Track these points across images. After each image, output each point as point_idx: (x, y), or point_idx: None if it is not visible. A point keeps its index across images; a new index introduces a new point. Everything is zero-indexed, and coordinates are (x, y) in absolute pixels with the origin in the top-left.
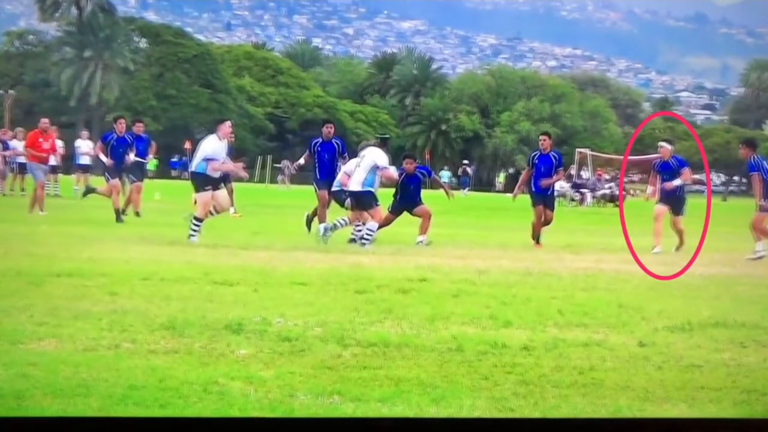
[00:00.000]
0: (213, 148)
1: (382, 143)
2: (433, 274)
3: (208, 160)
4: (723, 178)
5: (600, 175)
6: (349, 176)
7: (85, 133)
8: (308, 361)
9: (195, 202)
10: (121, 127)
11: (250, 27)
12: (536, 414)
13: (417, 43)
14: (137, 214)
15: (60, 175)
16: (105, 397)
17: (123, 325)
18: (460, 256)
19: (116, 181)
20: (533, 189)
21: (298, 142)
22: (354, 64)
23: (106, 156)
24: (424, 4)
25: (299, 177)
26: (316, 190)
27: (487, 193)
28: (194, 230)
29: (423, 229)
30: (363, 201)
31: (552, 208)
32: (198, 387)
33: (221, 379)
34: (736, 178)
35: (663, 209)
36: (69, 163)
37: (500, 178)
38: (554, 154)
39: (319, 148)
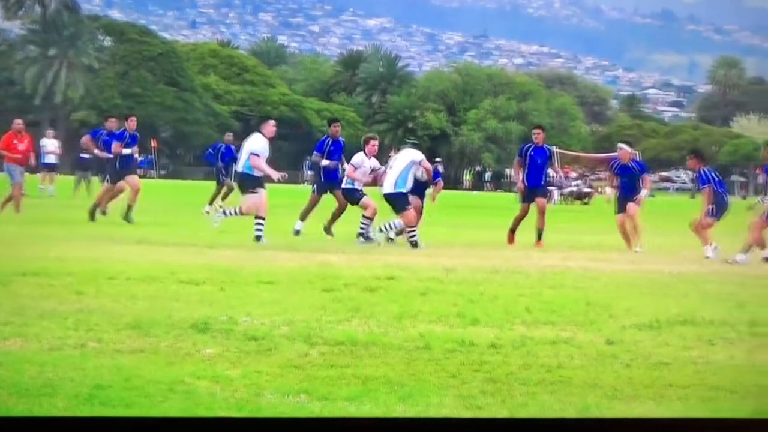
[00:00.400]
0: (260, 144)
1: (415, 147)
2: (401, 273)
3: (253, 154)
4: (691, 175)
5: (567, 172)
6: (356, 168)
7: (50, 131)
8: (275, 360)
9: (241, 209)
10: (132, 124)
11: (215, 25)
12: (504, 412)
13: (383, 40)
14: (103, 212)
15: (26, 174)
16: (71, 396)
17: (89, 325)
18: (427, 254)
19: (134, 178)
20: (525, 183)
21: None
22: (320, 62)
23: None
24: (390, 1)
25: None
26: (314, 191)
27: (454, 191)
28: (259, 230)
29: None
30: (396, 203)
31: (544, 196)
32: (164, 386)
33: (187, 378)
34: None
35: (623, 217)
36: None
37: (468, 176)
38: (548, 147)
39: (331, 148)
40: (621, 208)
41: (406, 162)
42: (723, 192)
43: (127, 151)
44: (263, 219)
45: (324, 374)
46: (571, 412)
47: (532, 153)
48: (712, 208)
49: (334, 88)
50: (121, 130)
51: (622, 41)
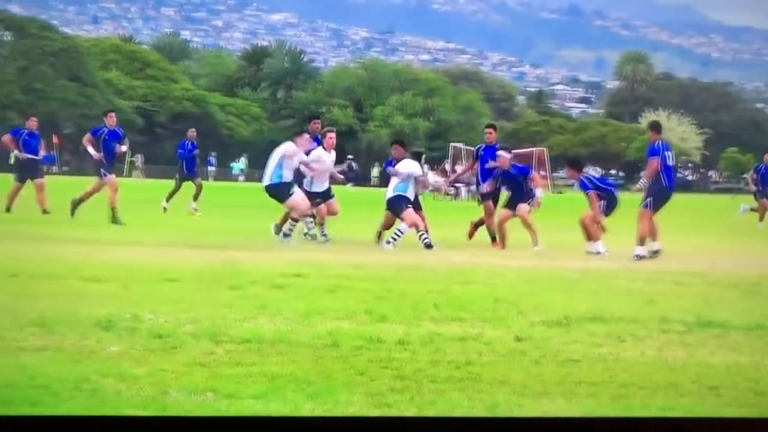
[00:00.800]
0: (287, 148)
1: (417, 156)
2: (309, 270)
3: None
4: (600, 171)
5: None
6: (312, 164)
7: None
8: (181, 358)
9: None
10: (111, 120)
11: (117, 20)
12: (413, 409)
13: (288, 35)
14: (45, 211)
15: None
16: None
17: None
18: (335, 250)
19: (112, 177)
20: (481, 183)
21: (168, 135)
22: (223, 57)
23: (97, 150)
24: None
25: (153, 171)
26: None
27: (362, 188)
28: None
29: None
30: (393, 207)
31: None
32: (70, 384)
33: (93, 376)
34: (613, 171)
35: (507, 214)
36: None
37: (374, 173)
38: (502, 146)
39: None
40: (509, 204)
41: (405, 175)
42: (611, 190)
43: (94, 153)
44: (313, 217)
45: (230, 372)
46: (480, 409)
47: (482, 153)
48: (602, 204)
49: (238, 83)
50: (101, 126)
51: (529, 37)
